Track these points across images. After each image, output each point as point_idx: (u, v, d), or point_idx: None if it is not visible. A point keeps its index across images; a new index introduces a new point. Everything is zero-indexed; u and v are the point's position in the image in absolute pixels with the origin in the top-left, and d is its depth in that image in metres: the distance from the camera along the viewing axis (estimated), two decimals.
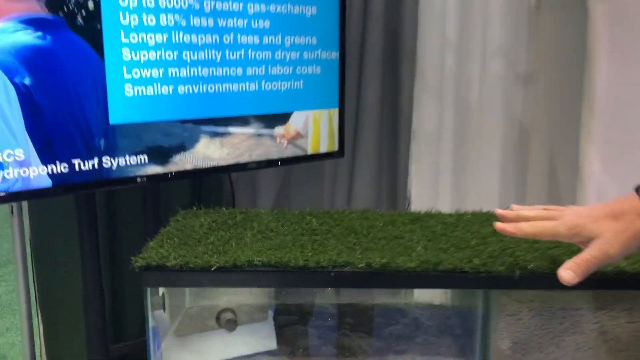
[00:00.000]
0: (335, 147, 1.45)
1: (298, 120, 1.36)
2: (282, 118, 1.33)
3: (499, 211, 0.76)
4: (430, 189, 1.61)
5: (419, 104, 1.63)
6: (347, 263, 0.78)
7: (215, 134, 1.25)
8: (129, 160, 1.14)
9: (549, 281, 0.78)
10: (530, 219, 0.71)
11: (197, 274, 0.79)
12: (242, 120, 1.28)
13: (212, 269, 0.78)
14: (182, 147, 1.21)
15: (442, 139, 1.63)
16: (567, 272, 0.65)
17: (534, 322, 0.80)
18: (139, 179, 1.15)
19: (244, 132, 1.29)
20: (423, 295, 1.06)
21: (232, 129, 1.27)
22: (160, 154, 1.18)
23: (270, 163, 1.33)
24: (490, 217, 0.99)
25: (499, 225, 0.73)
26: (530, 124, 1.56)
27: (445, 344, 0.91)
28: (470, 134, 1.62)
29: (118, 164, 1.12)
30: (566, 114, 1.44)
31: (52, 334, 1.37)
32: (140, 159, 1.15)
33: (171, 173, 1.18)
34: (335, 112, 1.42)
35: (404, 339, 0.92)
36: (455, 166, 1.63)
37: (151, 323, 0.87)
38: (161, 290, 0.90)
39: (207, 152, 1.24)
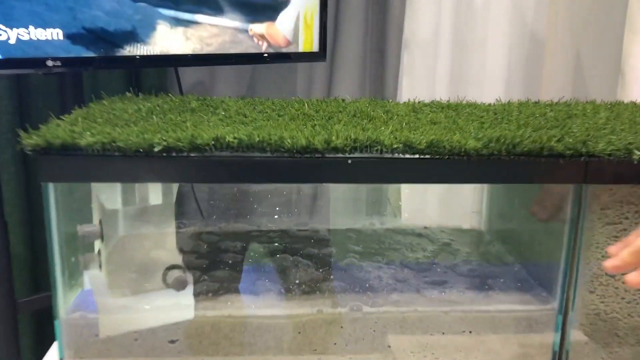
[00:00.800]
0: (315, 47, 1.14)
1: (286, 24, 1.04)
2: (260, 11, 1.02)
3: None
4: None
5: (413, 7, 1.34)
6: (376, 142, 0.50)
7: (177, 21, 0.92)
8: (35, 34, 0.80)
9: None
10: None
11: (130, 161, 0.48)
12: (211, 6, 0.96)
13: (156, 149, 0.48)
14: (130, 35, 0.88)
15: (439, 48, 1.35)
16: None
17: None
18: (50, 62, 0.82)
19: (214, 22, 0.97)
20: (438, 218, 0.79)
21: (199, 17, 0.95)
22: (96, 38, 0.85)
23: (231, 58, 1.01)
24: (547, 105, 0.72)
25: None
26: (547, 26, 1.30)
27: (502, 274, 0.64)
28: (473, 42, 1.34)
29: (17, 37, 0.79)
30: (596, 8, 1.19)
31: None
32: (53, 34, 0.82)
33: (96, 58, 0.86)
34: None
35: (440, 269, 0.64)
36: (454, 81, 1.36)
37: (86, 285, 0.58)
38: (97, 245, 0.61)
39: (166, 45, 0.92)
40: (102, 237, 0.61)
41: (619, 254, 0.48)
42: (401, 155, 0.50)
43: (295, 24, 1.08)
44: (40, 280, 1.12)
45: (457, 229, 0.76)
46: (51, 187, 0.49)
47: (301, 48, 1.10)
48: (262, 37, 1.04)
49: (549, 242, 0.59)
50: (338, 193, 0.90)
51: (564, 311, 0.55)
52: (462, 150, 0.49)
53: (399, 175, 0.50)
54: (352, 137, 0.50)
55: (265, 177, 0.50)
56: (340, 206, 0.80)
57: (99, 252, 0.62)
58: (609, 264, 0.47)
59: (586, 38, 1.24)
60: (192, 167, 0.49)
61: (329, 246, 0.70)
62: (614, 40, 1.13)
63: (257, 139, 0.49)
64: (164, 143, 0.48)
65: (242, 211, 0.79)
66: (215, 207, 0.83)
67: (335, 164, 0.50)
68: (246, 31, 1.01)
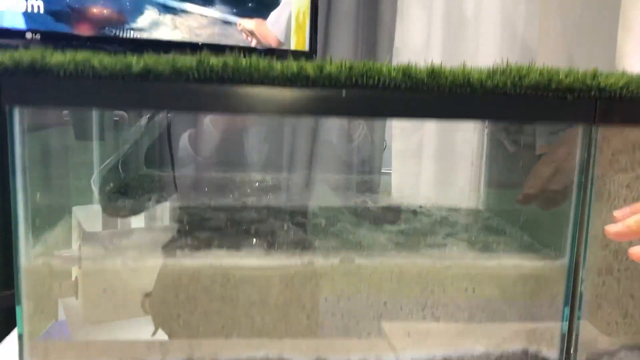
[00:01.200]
0: (306, 47, 1.12)
1: (278, 25, 1.03)
2: (249, 6, 1.00)
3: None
4: None
5: (403, 15, 1.33)
6: (372, 71, 0.46)
7: (165, 8, 0.90)
8: (14, 4, 0.77)
9: None
10: None
11: (105, 84, 0.44)
12: None
13: (134, 69, 0.44)
14: (117, 19, 0.86)
15: (430, 57, 1.34)
16: None
17: None
18: (29, 34, 0.79)
19: (202, 12, 0.95)
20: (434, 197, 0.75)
21: (187, 5, 0.93)
22: (81, 17, 0.83)
23: (219, 49, 0.99)
24: None
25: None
26: (538, 35, 1.30)
27: (505, 239, 0.60)
28: (464, 50, 1.33)
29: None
30: (588, 14, 1.19)
31: None
32: (33, 6, 0.79)
33: (77, 35, 0.83)
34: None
35: (439, 235, 0.60)
36: None
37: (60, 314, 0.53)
38: (74, 272, 0.56)
39: (153, 31, 0.90)
40: (80, 264, 0.57)
41: (624, 220, 0.44)
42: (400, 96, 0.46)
43: (287, 24, 1.06)
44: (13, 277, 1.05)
45: (454, 208, 0.72)
46: (17, 111, 0.45)
47: (293, 46, 1.08)
48: (252, 33, 1.02)
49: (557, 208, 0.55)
50: (329, 183, 0.86)
51: (574, 268, 0.51)
52: (466, 80, 0.46)
53: (397, 109, 0.47)
54: (347, 66, 0.46)
55: (253, 108, 0.46)
56: (330, 189, 0.76)
57: (75, 279, 0.57)
58: (611, 229, 0.44)
59: (579, 45, 1.23)
60: (173, 93, 0.45)
61: (319, 218, 0.66)
62: (607, 45, 1.12)
63: (244, 63, 0.45)
64: (143, 63, 0.44)
65: (227, 191, 0.75)
66: (200, 188, 0.79)
67: (329, 93, 0.46)
68: (235, 24, 0.99)
